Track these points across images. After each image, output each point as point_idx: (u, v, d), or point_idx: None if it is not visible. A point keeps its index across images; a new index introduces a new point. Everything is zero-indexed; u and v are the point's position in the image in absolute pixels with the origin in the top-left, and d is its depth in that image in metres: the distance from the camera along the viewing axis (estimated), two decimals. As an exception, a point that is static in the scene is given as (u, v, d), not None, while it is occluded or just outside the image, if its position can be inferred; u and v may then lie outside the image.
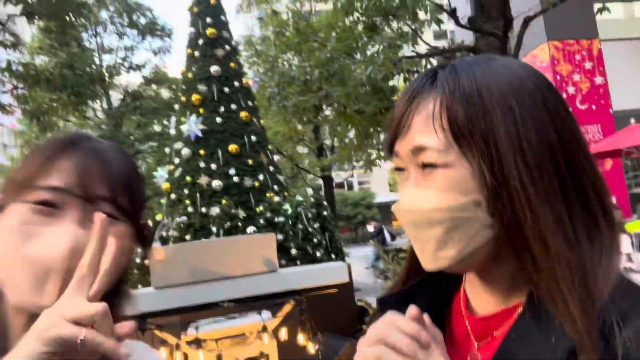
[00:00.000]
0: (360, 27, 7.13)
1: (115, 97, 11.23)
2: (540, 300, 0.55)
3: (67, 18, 4.85)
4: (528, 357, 0.54)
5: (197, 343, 2.39)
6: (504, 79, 0.57)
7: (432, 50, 6.44)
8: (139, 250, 0.74)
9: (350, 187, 36.91)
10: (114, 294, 0.69)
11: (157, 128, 13.89)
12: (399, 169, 0.63)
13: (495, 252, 0.59)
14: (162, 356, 2.42)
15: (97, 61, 9.34)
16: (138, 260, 5.40)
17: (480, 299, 0.65)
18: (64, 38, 5.39)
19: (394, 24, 6.86)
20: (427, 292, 0.69)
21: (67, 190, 0.60)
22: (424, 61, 6.45)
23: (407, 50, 6.98)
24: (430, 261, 0.60)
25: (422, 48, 6.94)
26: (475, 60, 0.61)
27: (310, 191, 17.95)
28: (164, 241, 5.29)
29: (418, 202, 0.59)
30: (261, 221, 5.62)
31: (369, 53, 6.65)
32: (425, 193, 0.58)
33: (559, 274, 0.53)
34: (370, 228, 15.40)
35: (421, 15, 6.34)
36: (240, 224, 5.55)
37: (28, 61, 4.26)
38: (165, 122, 14.36)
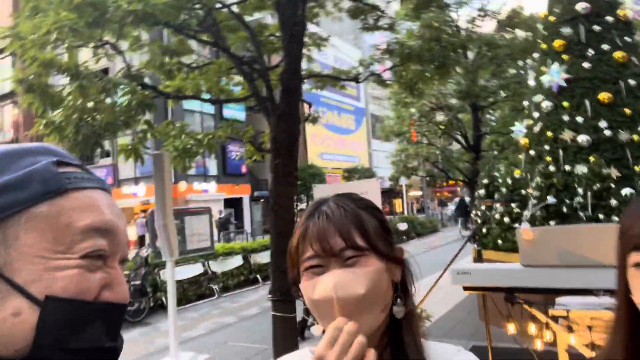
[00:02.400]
0: None
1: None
2: None
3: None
4: None
5: (567, 323, 2.37)
6: None
7: None
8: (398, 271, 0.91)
9: None
10: (394, 322, 0.89)
11: (512, 71, 13.44)
12: None
13: None
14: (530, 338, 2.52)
15: (455, 16, 9.63)
16: (497, 216, 5.58)
17: None
18: (427, 4, 5.88)
19: None
20: None
21: (318, 255, 0.85)
22: None
23: None
24: None
25: None
26: None
27: None
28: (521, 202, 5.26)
29: None
30: (641, 183, 4.77)
31: None
32: None
33: None
34: None
35: None
36: (613, 185, 4.87)
37: (403, 41, 4.92)
38: (520, 63, 13.72)
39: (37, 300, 0.49)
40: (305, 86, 6.13)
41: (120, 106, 2.92)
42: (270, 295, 3.93)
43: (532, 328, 2.44)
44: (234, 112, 24.09)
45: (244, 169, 26.33)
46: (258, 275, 12.66)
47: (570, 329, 2.28)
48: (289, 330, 3.90)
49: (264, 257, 12.32)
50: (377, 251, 0.87)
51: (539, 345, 2.48)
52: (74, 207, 0.53)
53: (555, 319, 2.43)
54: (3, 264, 0.50)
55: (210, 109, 24.90)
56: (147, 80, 3.86)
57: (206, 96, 4.87)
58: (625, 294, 0.82)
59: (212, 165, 24.76)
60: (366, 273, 0.84)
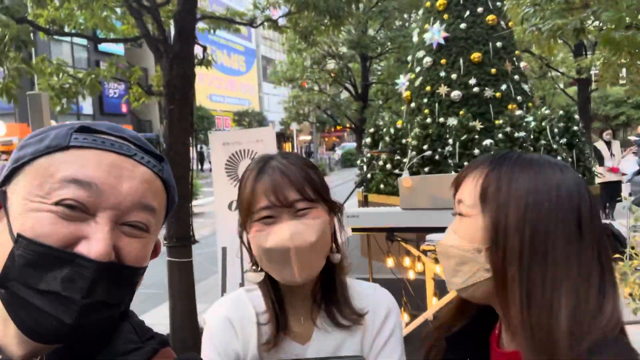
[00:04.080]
0: None
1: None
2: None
3: None
4: None
5: (434, 256, 2.81)
6: (535, 182, 0.73)
7: None
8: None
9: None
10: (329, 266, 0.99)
11: (398, 23, 14.05)
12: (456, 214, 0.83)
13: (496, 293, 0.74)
14: (405, 262, 2.93)
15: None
16: (381, 163, 6.09)
17: (506, 336, 0.80)
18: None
19: None
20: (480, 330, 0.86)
21: (272, 206, 0.90)
22: None
23: None
24: (448, 284, 0.81)
25: None
26: (529, 159, 0.76)
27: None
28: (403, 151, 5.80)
29: (446, 239, 0.80)
30: (500, 135, 5.52)
31: None
32: (453, 234, 0.79)
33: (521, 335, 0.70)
34: (635, 138, 12.93)
35: None
36: (477, 136, 5.58)
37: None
38: (405, 16, 14.38)
39: (13, 236, 0.54)
40: (198, 25, 5.85)
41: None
42: (165, 242, 3.95)
43: (406, 261, 2.86)
44: (111, 45, 21.79)
45: (124, 108, 24.36)
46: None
47: (436, 261, 2.72)
48: (185, 275, 4.00)
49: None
50: (325, 202, 0.96)
51: (411, 275, 2.93)
52: (65, 161, 0.56)
53: (425, 253, 2.86)
54: (8, 203, 0.57)
55: (82, 40, 22.25)
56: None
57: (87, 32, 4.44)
58: None
59: (87, 104, 22.26)
60: (316, 223, 0.91)
